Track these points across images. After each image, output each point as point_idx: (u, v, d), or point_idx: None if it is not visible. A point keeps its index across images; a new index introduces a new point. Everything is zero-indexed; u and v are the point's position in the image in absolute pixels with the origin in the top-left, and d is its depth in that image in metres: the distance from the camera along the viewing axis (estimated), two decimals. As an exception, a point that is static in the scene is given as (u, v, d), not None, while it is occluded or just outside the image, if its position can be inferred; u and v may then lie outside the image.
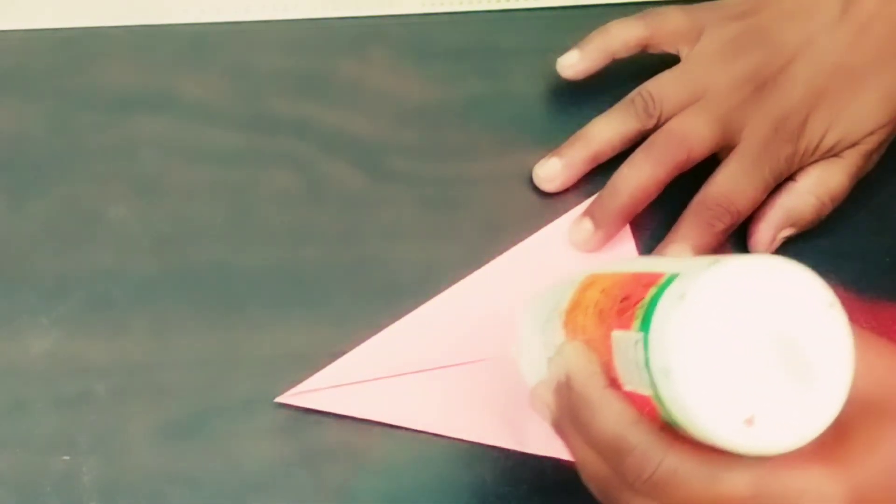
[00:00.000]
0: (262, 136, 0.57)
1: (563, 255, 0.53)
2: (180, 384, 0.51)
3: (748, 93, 0.53)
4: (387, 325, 0.52)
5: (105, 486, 0.49)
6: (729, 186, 0.52)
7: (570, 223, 0.54)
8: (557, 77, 0.57)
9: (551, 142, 0.55)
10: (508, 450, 0.50)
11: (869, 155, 0.54)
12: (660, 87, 0.54)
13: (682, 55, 0.55)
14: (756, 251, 0.54)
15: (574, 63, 0.56)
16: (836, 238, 0.55)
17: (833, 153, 0.53)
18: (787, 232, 0.54)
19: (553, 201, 0.55)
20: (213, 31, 0.60)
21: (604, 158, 0.55)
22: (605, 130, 0.54)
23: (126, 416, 0.50)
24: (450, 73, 0.59)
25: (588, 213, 0.53)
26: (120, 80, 0.58)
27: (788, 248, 0.55)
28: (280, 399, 0.50)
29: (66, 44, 0.59)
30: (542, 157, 0.55)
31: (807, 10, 0.53)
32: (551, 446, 0.49)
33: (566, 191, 0.55)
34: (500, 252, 0.54)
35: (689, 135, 0.52)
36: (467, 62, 0.60)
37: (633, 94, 0.54)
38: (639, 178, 0.52)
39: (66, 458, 0.49)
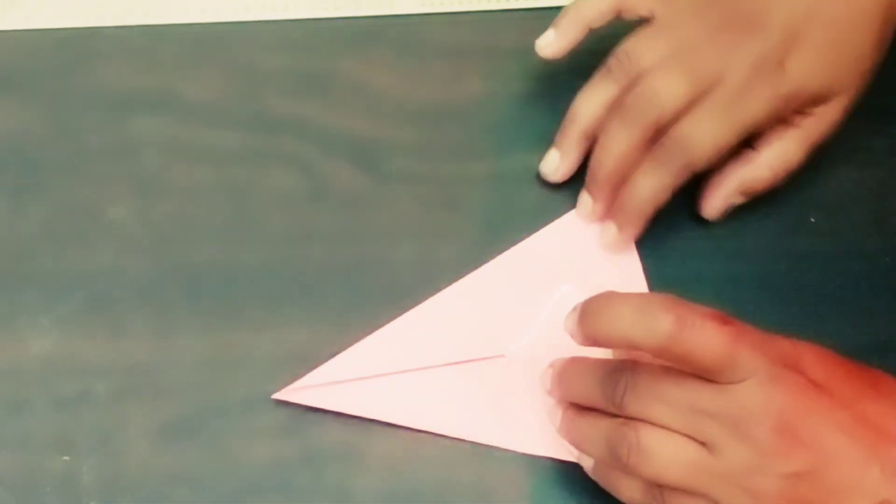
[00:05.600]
0: (262, 136, 0.57)
1: (562, 255, 0.54)
2: (180, 384, 0.51)
3: (724, 41, 0.52)
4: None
5: (105, 486, 0.49)
6: (689, 129, 0.51)
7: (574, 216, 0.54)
8: (557, 77, 0.58)
9: (551, 141, 0.55)
10: (509, 450, 0.50)
11: (831, 125, 0.53)
12: (635, 44, 0.53)
13: (657, 16, 0.54)
14: (708, 216, 0.54)
15: (551, 41, 0.56)
16: (837, 238, 0.55)
17: (819, 103, 0.52)
18: (738, 200, 0.54)
19: (553, 201, 0.55)
20: (213, 31, 0.60)
21: (597, 132, 0.54)
22: (589, 105, 0.54)
23: (126, 416, 0.50)
24: (450, 73, 0.59)
25: (585, 187, 0.54)
26: (120, 80, 0.59)
27: (788, 248, 0.55)
28: (277, 395, 0.50)
29: (66, 44, 0.59)
30: (542, 156, 0.56)
31: None
32: (551, 446, 0.49)
33: (566, 190, 0.55)
34: (500, 252, 0.54)
35: (659, 91, 0.51)
36: (467, 62, 0.60)
37: (609, 58, 0.53)
38: (615, 144, 0.52)
39: (66, 458, 0.49)
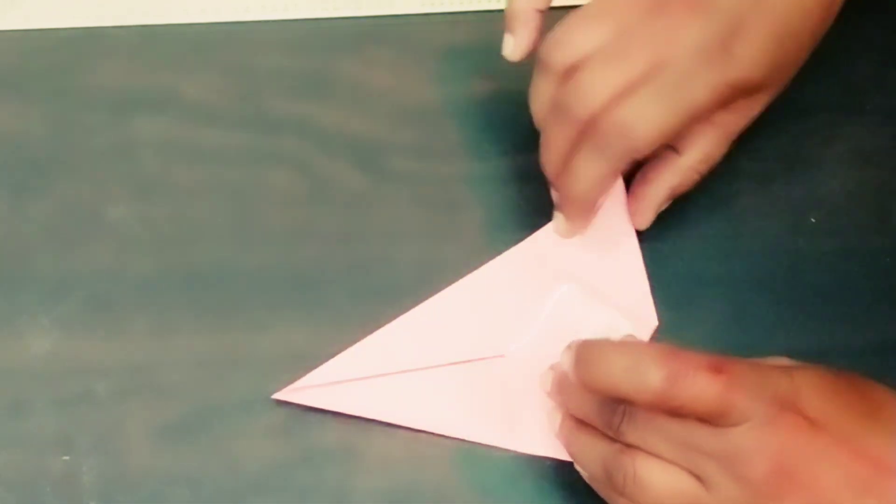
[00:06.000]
0: (262, 136, 0.57)
1: (562, 254, 0.53)
2: (180, 384, 0.51)
3: (664, 25, 0.49)
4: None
5: (105, 486, 0.49)
6: (629, 113, 0.48)
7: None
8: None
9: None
10: (509, 450, 0.50)
11: (751, 119, 0.52)
12: (565, 31, 0.50)
13: None
14: (640, 227, 0.53)
15: (512, 45, 0.52)
16: (837, 238, 0.55)
17: (748, 96, 0.51)
18: (666, 205, 0.53)
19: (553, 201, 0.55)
20: (213, 31, 0.60)
21: None
22: (536, 106, 0.51)
23: (126, 416, 0.50)
24: (450, 73, 0.59)
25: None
26: (120, 80, 0.58)
27: (788, 248, 0.55)
28: (277, 396, 0.50)
29: (66, 44, 0.59)
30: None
31: None
32: (551, 446, 0.49)
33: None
34: (500, 252, 0.54)
35: (590, 87, 0.48)
36: (467, 62, 0.60)
37: (541, 47, 0.51)
38: (553, 142, 0.50)
39: (66, 458, 0.49)
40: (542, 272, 0.53)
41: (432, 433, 0.50)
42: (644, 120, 0.48)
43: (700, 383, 0.42)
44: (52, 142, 0.57)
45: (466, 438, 0.50)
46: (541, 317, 0.52)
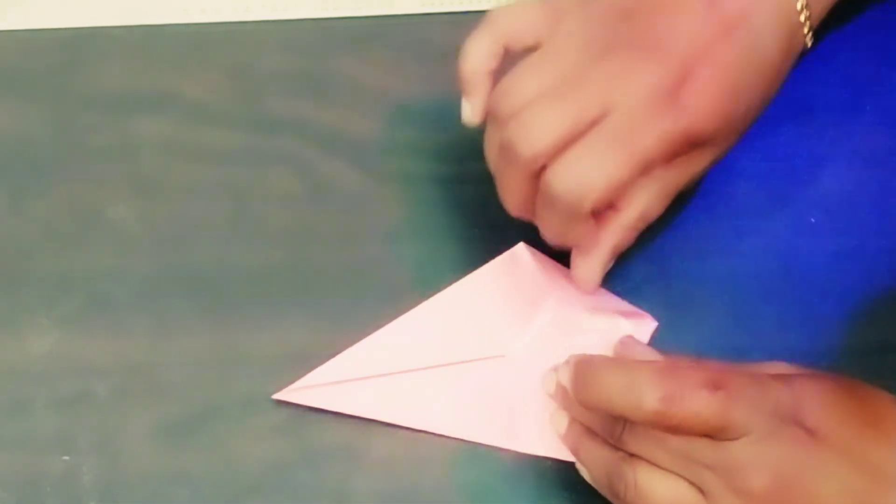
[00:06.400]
0: (262, 136, 0.57)
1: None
2: (180, 384, 0.51)
3: (614, 67, 0.46)
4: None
5: (105, 486, 0.49)
6: (579, 164, 0.45)
7: None
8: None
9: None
10: (509, 450, 0.50)
11: (694, 177, 0.49)
12: (514, 78, 0.48)
13: (543, 43, 0.49)
14: (584, 291, 0.50)
15: (469, 111, 0.50)
16: (837, 238, 0.55)
17: (706, 146, 0.48)
18: (609, 265, 0.51)
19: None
20: (213, 31, 0.60)
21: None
22: (489, 159, 0.49)
23: (126, 416, 0.50)
24: (450, 73, 0.59)
25: None
26: (120, 80, 0.59)
27: (788, 248, 0.55)
28: (278, 396, 0.50)
29: (66, 44, 0.59)
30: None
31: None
32: (551, 446, 0.49)
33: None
34: (501, 252, 0.54)
35: (530, 128, 0.46)
36: (467, 62, 0.59)
37: (489, 101, 0.49)
38: (502, 188, 0.49)
39: (66, 458, 0.50)
40: (542, 273, 0.53)
41: (432, 433, 0.50)
42: (594, 172, 0.46)
43: (698, 403, 0.42)
44: (52, 142, 0.57)
45: (466, 438, 0.50)
46: (541, 317, 0.52)
